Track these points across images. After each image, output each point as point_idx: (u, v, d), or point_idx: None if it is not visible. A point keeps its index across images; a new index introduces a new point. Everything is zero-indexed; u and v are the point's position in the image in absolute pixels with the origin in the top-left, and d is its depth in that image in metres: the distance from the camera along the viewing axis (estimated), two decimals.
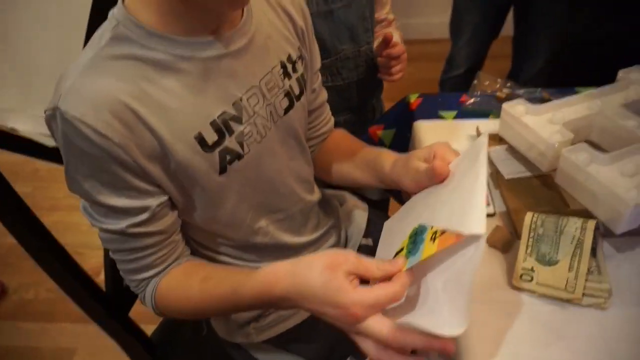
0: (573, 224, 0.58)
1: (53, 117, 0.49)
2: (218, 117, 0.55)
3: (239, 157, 0.58)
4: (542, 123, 0.70)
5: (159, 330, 0.87)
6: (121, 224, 0.53)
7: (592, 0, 1.22)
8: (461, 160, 0.55)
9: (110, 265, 0.75)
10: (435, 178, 0.55)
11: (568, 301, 0.57)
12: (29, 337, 1.43)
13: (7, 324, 1.44)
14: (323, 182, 0.83)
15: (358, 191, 1.02)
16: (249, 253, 0.69)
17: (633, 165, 0.59)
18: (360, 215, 0.90)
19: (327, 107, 0.80)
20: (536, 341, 0.54)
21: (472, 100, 0.92)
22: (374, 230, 0.89)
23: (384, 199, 1.16)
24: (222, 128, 0.55)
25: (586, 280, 0.57)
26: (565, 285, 0.57)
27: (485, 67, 1.72)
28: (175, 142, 0.52)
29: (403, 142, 0.96)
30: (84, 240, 0.91)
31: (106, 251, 0.64)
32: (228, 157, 0.57)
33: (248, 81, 0.58)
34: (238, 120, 0.57)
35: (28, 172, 1.55)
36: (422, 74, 2.02)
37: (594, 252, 0.60)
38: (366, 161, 0.72)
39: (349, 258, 0.47)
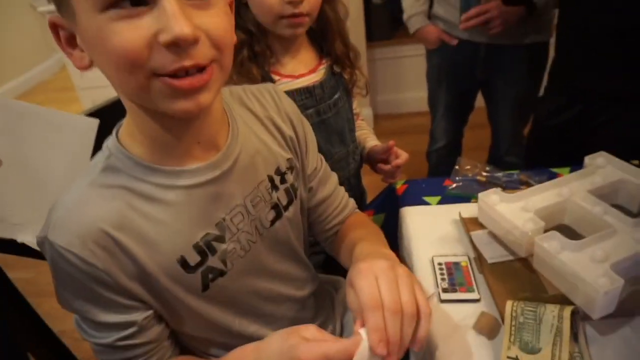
0: (550, 312, 0.61)
1: (42, 244, 0.54)
2: (201, 240, 0.59)
3: (221, 273, 0.61)
4: (515, 211, 0.74)
5: None
6: (110, 338, 0.57)
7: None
8: None
9: None
10: None
11: None
12: None
13: None
14: (322, 268, 0.86)
15: None
16: None
17: (602, 251, 0.63)
18: None
19: (337, 198, 0.80)
20: None
21: (454, 185, 0.98)
22: None
23: None
24: (205, 249, 0.59)
25: None
26: None
27: (467, 137, 1.81)
28: (156, 266, 0.56)
29: (394, 225, 1.00)
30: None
31: None
32: (210, 276, 0.60)
33: (232, 201, 0.61)
34: (221, 239, 0.60)
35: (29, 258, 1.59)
36: (412, 147, 2.10)
37: (575, 337, 0.62)
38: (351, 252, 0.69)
39: (309, 327, 0.53)
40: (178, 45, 0.46)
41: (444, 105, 1.69)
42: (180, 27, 0.45)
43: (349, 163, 1.04)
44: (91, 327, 0.58)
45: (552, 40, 1.37)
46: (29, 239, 0.67)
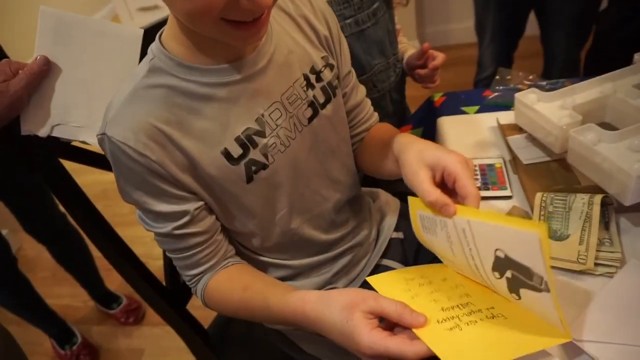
0: (580, 200, 0.61)
1: (102, 140, 0.60)
2: (242, 133, 0.62)
3: (264, 167, 0.65)
4: (553, 109, 0.73)
5: (214, 323, 0.97)
6: (167, 227, 0.63)
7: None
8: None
9: (169, 264, 0.86)
10: (435, 207, 0.54)
11: (582, 272, 0.60)
12: (102, 339, 1.59)
13: (83, 328, 1.61)
14: (364, 179, 0.88)
15: (392, 188, 1.08)
16: (283, 252, 0.76)
17: (637, 141, 0.62)
18: (392, 210, 0.94)
19: (365, 107, 0.81)
20: None
21: (493, 95, 0.96)
22: (405, 224, 0.93)
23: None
24: (246, 142, 0.63)
25: (599, 251, 0.59)
26: (577, 258, 0.60)
27: (516, 67, 1.72)
28: (203, 157, 0.61)
29: (431, 138, 1.01)
30: (147, 252, 1.04)
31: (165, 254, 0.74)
32: (254, 168, 0.64)
33: (270, 98, 0.64)
34: (261, 134, 0.64)
35: (98, 192, 1.74)
36: (462, 79, 2.04)
37: (606, 225, 0.62)
38: (390, 149, 0.68)
39: (367, 299, 0.50)
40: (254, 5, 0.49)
41: (492, 28, 1.60)
42: None
43: (389, 76, 1.03)
44: (150, 218, 0.64)
45: None
46: (89, 139, 0.73)
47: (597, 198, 0.60)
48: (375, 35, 0.97)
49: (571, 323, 0.53)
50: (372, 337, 0.48)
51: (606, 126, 0.74)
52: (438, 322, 0.48)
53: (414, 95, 1.25)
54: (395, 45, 1.04)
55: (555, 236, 0.62)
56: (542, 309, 0.46)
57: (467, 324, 0.47)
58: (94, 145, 0.70)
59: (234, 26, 0.52)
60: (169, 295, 0.85)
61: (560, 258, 0.60)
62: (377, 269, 0.84)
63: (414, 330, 0.47)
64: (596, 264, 0.59)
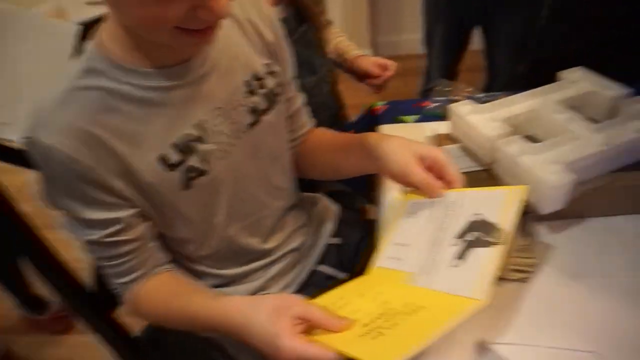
0: None
1: (30, 144, 0.56)
2: (179, 139, 0.60)
3: (202, 173, 0.63)
4: (484, 120, 0.75)
5: (144, 331, 0.93)
6: (97, 235, 0.60)
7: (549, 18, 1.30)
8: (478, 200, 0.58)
9: (96, 270, 0.82)
10: (428, 193, 0.62)
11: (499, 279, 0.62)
12: (28, 350, 1.50)
13: (7, 338, 1.51)
14: (301, 185, 0.88)
15: (328, 189, 1.09)
16: (218, 260, 0.74)
17: (558, 153, 0.65)
18: (330, 216, 0.94)
19: (304, 112, 0.83)
20: None
21: (432, 105, 0.98)
22: (344, 230, 0.93)
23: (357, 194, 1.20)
24: (184, 149, 0.61)
25: (515, 257, 0.62)
26: None
27: (462, 79, 1.78)
28: (138, 163, 0.59)
29: None
30: (79, 256, 0.99)
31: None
32: (192, 174, 0.62)
33: (211, 103, 0.63)
34: (200, 140, 0.62)
35: (29, 193, 1.65)
36: (408, 88, 2.09)
37: (525, 232, 0.65)
38: (350, 143, 0.74)
39: (296, 303, 0.51)
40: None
41: (439, 40, 1.65)
42: (220, 7, 0.49)
43: (322, 87, 1.03)
44: (79, 226, 0.61)
45: None
46: (15, 137, 0.69)
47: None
48: (302, 55, 0.97)
49: (487, 326, 0.55)
50: (293, 343, 0.48)
51: (533, 139, 0.77)
52: (360, 336, 0.48)
53: (355, 103, 1.26)
54: (324, 58, 1.04)
55: None
56: (478, 272, 0.51)
57: (389, 328, 0.48)
58: (19, 143, 0.66)
59: (187, 34, 0.52)
60: (95, 302, 0.81)
61: None
62: (313, 275, 0.84)
63: (337, 344, 0.47)
64: (512, 270, 0.61)
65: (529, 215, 0.64)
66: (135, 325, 0.88)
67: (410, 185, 0.64)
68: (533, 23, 1.48)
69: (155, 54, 0.57)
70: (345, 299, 0.56)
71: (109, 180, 0.58)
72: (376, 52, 2.74)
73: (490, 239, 0.52)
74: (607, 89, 0.76)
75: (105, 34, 0.58)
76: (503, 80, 1.62)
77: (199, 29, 0.52)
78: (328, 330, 0.50)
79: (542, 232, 0.66)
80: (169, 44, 0.54)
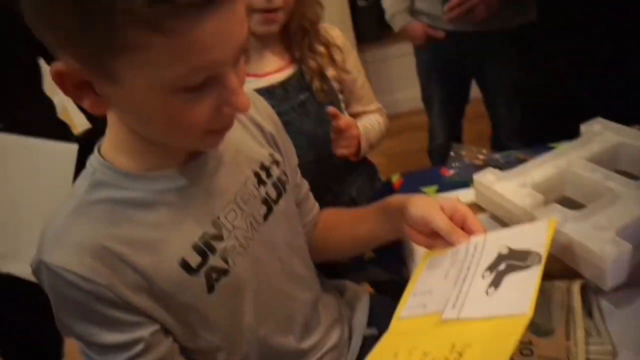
0: (558, 289, 0.58)
1: (38, 269, 0.53)
2: (199, 240, 0.58)
3: (225, 272, 0.60)
4: (513, 188, 0.71)
5: None
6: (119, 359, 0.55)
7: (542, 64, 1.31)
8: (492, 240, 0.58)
9: None
10: (451, 240, 0.61)
11: None
12: None
13: None
14: (324, 272, 0.83)
15: (362, 276, 1.03)
16: None
17: (606, 218, 0.60)
18: (361, 302, 0.89)
19: (311, 196, 0.83)
20: None
21: (451, 172, 0.95)
22: (377, 317, 0.87)
23: (388, 280, 1.15)
24: (204, 249, 0.58)
25: (587, 344, 0.55)
26: (567, 355, 0.55)
27: (466, 131, 1.78)
28: (159, 272, 0.55)
29: None
30: None
31: None
32: (214, 275, 0.59)
33: (224, 199, 0.61)
34: (219, 237, 0.59)
35: None
36: (412, 145, 2.08)
37: (589, 313, 0.59)
38: (367, 211, 0.76)
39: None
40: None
41: (438, 99, 1.65)
42: (242, 101, 0.50)
43: (325, 167, 1.00)
44: (97, 351, 0.56)
45: None
46: (15, 270, 0.65)
47: (575, 286, 0.57)
48: (302, 126, 0.95)
49: None
50: None
51: (567, 200, 0.73)
52: None
53: None
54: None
55: (540, 331, 0.57)
56: (518, 291, 0.49)
57: None
58: (21, 275, 0.62)
59: (215, 134, 0.53)
60: None
61: (549, 356, 0.55)
62: None
63: None
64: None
65: (589, 290, 0.58)
66: None
67: (433, 233, 0.62)
68: (525, 67, 1.49)
69: (162, 153, 0.56)
70: None
71: (129, 296, 0.53)
72: None
73: (525, 264, 0.51)
74: (635, 139, 0.73)
75: (107, 144, 0.57)
76: (508, 127, 1.61)
77: (226, 126, 0.53)
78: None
79: (608, 307, 0.59)
80: (192, 147, 0.54)
